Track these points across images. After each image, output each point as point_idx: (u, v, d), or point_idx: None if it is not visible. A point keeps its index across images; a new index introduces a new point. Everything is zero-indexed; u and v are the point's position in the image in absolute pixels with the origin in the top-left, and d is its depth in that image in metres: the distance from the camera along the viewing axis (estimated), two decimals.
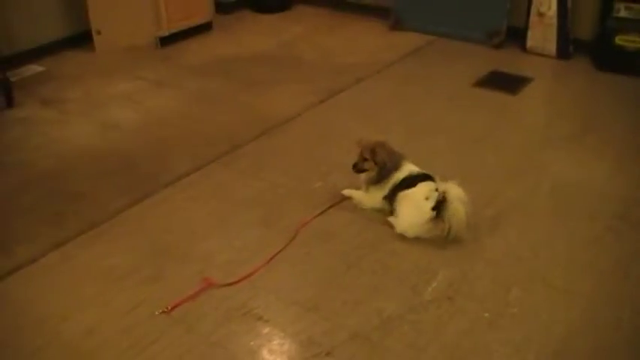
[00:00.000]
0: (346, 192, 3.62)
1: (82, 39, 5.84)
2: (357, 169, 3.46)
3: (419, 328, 2.73)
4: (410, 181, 3.33)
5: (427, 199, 3.20)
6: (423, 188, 3.26)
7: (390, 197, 3.38)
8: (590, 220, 3.44)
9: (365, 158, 3.41)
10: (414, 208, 3.24)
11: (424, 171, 3.39)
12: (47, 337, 2.72)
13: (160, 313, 2.80)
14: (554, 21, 5.46)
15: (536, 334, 2.70)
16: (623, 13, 5.20)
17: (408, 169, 3.40)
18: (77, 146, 4.28)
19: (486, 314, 2.80)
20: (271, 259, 3.14)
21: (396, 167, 3.40)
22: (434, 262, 3.12)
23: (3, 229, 3.45)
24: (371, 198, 3.49)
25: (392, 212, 3.37)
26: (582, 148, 4.15)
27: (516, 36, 5.76)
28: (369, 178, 3.46)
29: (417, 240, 3.24)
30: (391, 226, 3.34)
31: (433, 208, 3.14)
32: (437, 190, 3.17)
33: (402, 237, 3.27)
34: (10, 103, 4.79)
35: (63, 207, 3.61)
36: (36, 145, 4.30)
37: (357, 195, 3.57)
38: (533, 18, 5.58)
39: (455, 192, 3.12)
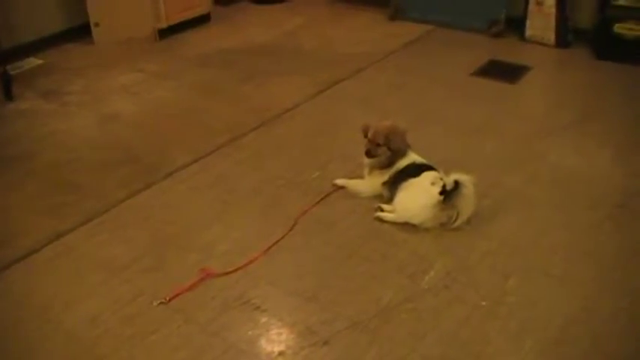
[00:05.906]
0: (339, 181, 3.61)
1: (81, 32, 5.84)
2: (371, 155, 3.39)
3: (417, 316, 2.74)
4: (412, 170, 3.33)
5: (433, 184, 3.20)
6: (428, 175, 3.27)
7: (390, 184, 3.38)
8: (590, 209, 3.44)
9: (378, 144, 3.36)
10: (421, 192, 3.22)
11: (426, 162, 3.40)
12: (49, 327, 2.74)
13: (158, 304, 2.82)
14: (553, 10, 5.43)
15: (535, 322, 2.70)
16: (621, 1, 5.18)
17: (412, 157, 3.40)
18: (78, 138, 4.29)
19: (484, 303, 2.81)
20: (269, 248, 3.15)
21: (403, 154, 3.40)
22: (432, 250, 3.14)
23: (4, 220, 3.47)
24: (370, 184, 3.49)
25: (391, 199, 3.36)
26: (582, 136, 4.15)
27: (515, 25, 5.75)
28: (378, 162, 3.42)
29: (415, 229, 3.25)
30: (382, 222, 3.33)
31: (440, 193, 3.13)
32: (441, 179, 3.17)
33: (401, 226, 3.28)
34: (9, 96, 4.79)
35: (63, 198, 3.62)
36: (37, 137, 4.31)
37: (352, 184, 3.56)
38: (532, 7, 5.56)
39: (465, 179, 3.10)
